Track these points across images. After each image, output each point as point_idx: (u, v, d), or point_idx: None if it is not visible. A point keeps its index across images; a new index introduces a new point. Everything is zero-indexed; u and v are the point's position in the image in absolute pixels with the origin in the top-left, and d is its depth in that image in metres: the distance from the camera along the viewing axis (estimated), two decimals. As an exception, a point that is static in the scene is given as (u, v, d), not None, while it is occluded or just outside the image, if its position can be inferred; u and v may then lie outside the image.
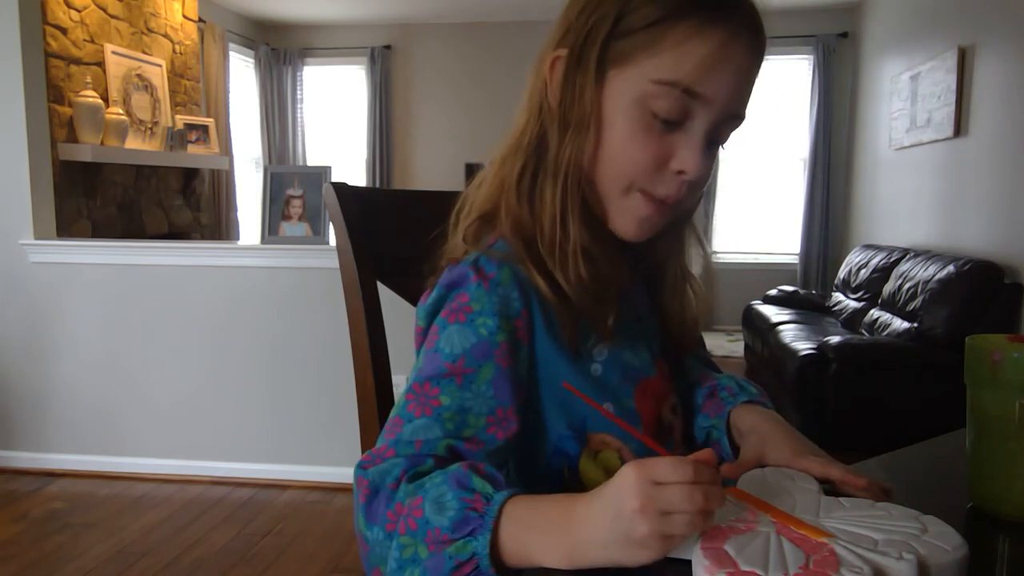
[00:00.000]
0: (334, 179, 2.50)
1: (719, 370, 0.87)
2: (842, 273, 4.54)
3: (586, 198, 0.69)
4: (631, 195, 0.68)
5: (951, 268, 3.20)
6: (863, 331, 3.81)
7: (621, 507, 0.50)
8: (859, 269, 4.28)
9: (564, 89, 0.67)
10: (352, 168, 6.21)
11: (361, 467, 0.60)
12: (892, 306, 3.65)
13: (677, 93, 0.63)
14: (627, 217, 0.69)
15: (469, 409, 0.62)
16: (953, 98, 3.62)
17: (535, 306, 0.67)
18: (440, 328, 0.65)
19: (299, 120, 6.26)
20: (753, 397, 0.78)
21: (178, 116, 3.98)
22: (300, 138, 6.27)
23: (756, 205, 5.86)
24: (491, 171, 0.73)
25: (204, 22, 4.93)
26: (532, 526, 0.54)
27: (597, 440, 0.71)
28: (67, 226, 3.10)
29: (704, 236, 0.82)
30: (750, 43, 0.64)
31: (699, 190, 0.70)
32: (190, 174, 4.18)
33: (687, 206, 0.73)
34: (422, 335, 0.69)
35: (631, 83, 0.65)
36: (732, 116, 0.67)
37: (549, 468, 0.71)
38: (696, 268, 0.80)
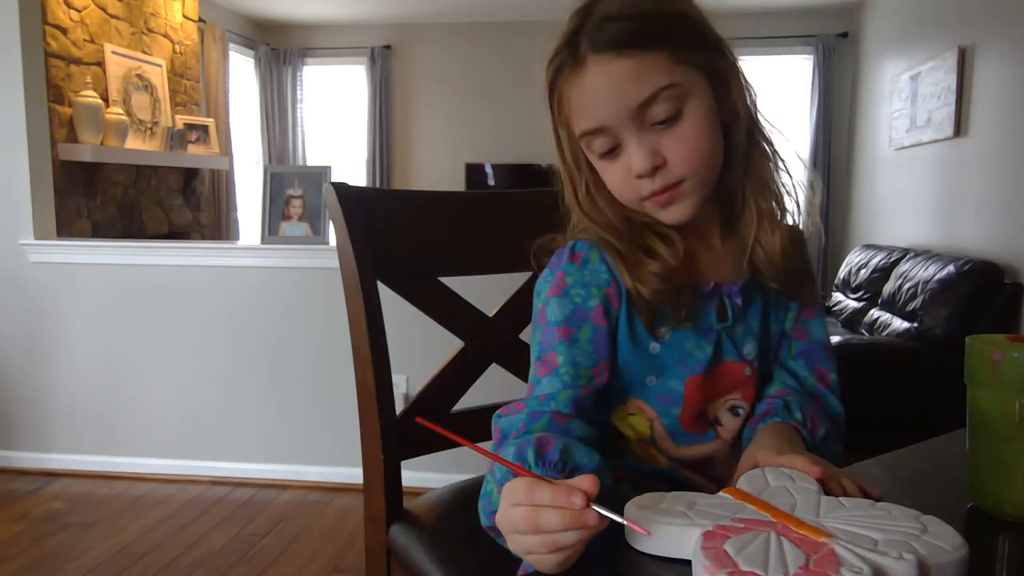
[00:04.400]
0: (334, 179, 2.50)
1: (816, 390, 0.87)
2: (842, 273, 4.54)
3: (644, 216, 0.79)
4: (643, 204, 0.77)
5: (951, 268, 3.20)
6: (863, 331, 3.81)
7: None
8: (859, 269, 4.28)
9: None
10: (352, 168, 6.21)
11: (499, 416, 0.74)
12: (892, 306, 3.65)
13: (588, 137, 0.75)
14: (657, 215, 0.78)
15: (579, 363, 0.74)
16: (953, 98, 3.61)
17: (620, 280, 0.77)
18: (546, 304, 0.78)
19: (299, 120, 6.26)
20: (789, 420, 0.79)
21: (178, 116, 3.98)
22: (300, 138, 6.27)
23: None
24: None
25: (204, 22, 4.93)
26: None
27: (634, 405, 0.80)
28: (67, 226, 3.10)
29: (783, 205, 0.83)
30: (606, 59, 0.71)
31: (691, 158, 0.74)
32: (190, 174, 4.18)
33: (699, 177, 0.76)
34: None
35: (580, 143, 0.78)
36: (644, 104, 0.72)
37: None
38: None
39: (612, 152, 0.75)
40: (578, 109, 0.74)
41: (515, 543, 0.55)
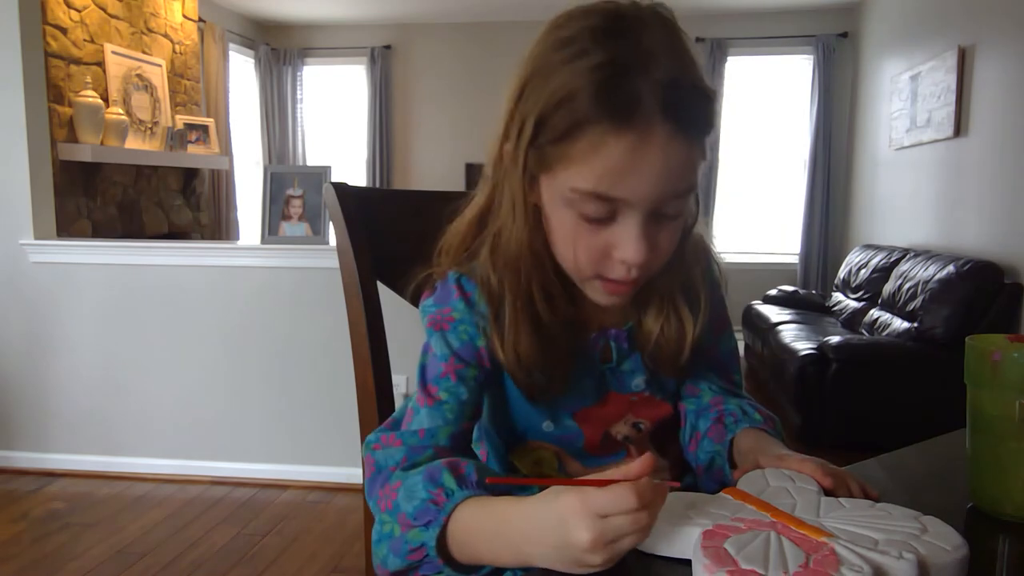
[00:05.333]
0: (334, 179, 2.50)
1: (739, 394, 0.86)
2: (842, 273, 4.54)
3: (556, 270, 0.72)
4: (592, 281, 0.70)
5: (951, 268, 3.20)
6: (863, 331, 3.81)
7: (569, 540, 0.52)
8: (859, 269, 4.28)
9: (506, 182, 0.71)
10: (352, 168, 6.21)
11: (371, 447, 0.71)
12: (892, 306, 3.65)
13: (595, 199, 0.63)
14: (594, 294, 0.72)
15: (464, 402, 0.72)
16: (953, 98, 3.61)
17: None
18: (432, 336, 0.75)
19: (299, 120, 6.26)
20: (755, 424, 0.78)
21: (178, 116, 3.98)
22: (300, 138, 6.27)
23: (756, 205, 5.86)
24: (462, 222, 0.77)
25: (204, 22, 4.93)
26: (478, 531, 0.60)
27: (536, 444, 0.79)
28: (67, 226, 3.10)
29: (712, 246, 0.81)
30: (669, 133, 0.61)
31: (663, 260, 0.69)
32: (190, 174, 4.18)
33: (660, 270, 0.71)
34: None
35: (556, 189, 0.66)
36: (671, 197, 0.65)
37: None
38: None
39: (602, 221, 0.65)
40: (607, 169, 0.61)
41: (605, 554, 0.52)
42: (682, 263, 0.75)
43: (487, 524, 0.59)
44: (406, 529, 0.62)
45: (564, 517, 0.52)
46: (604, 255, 0.67)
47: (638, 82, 0.60)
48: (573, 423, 0.78)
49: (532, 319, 0.71)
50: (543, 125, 0.64)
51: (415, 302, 0.80)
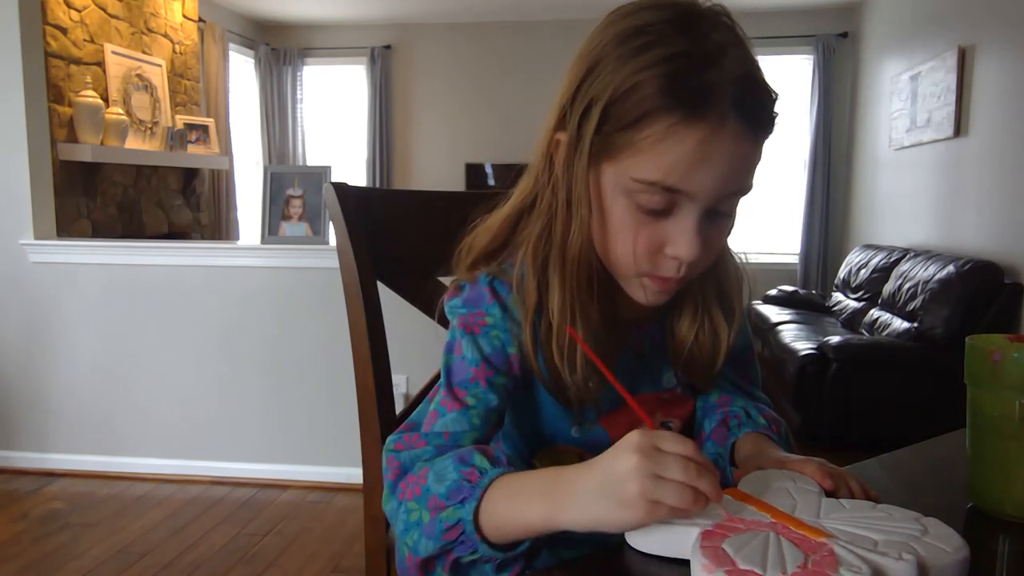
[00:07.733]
0: (334, 179, 2.50)
1: (750, 393, 0.85)
2: (842, 273, 4.54)
3: (600, 268, 0.70)
4: (639, 278, 0.69)
5: (951, 268, 3.20)
6: (863, 331, 3.81)
7: (616, 463, 0.53)
8: (859, 269, 4.28)
9: (565, 172, 0.68)
10: (352, 168, 6.21)
11: (393, 449, 0.69)
12: (892, 306, 3.65)
13: (658, 190, 0.63)
14: (639, 292, 0.71)
15: (492, 409, 0.70)
16: (953, 98, 3.61)
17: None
18: (463, 338, 0.72)
19: (299, 120, 6.26)
20: (758, 428, 0.77)
21: (178, 116, 3.98)
22: (300, 138, 6.27)
23: (756, 205, 5.85)
24: (495, 220, 0.75)
25: (204, 22, 4.93)
26: (518, 491, 0.59)
27: (560, 447, 0.77)
28: (67, 226, 3.10)
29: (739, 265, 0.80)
30: (739, 129, 0.61)
31: (711, 260, 0.70)
32: (190, 174, 4.18)
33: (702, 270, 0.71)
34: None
35: (617, 177, 0.65)
36: (729, 195, 0.65)
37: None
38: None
39: (658, 214, 0.64)
40: (675, 161, 0.61)
41: (644, 484, 0.51)
42: (717, 267, 0.75)
43: (532, 480, 0.60)
44: (437, 512, 0.61)
45: (621, 444, 0.54)
46: (655, 249, 0.66)
47: (712, 74, 0.60)
48: (600, 428, 0.76)
49: (585, 320, 0.69)
50: (609, 112, 0.63)
51: (441, 317, 0.77)
